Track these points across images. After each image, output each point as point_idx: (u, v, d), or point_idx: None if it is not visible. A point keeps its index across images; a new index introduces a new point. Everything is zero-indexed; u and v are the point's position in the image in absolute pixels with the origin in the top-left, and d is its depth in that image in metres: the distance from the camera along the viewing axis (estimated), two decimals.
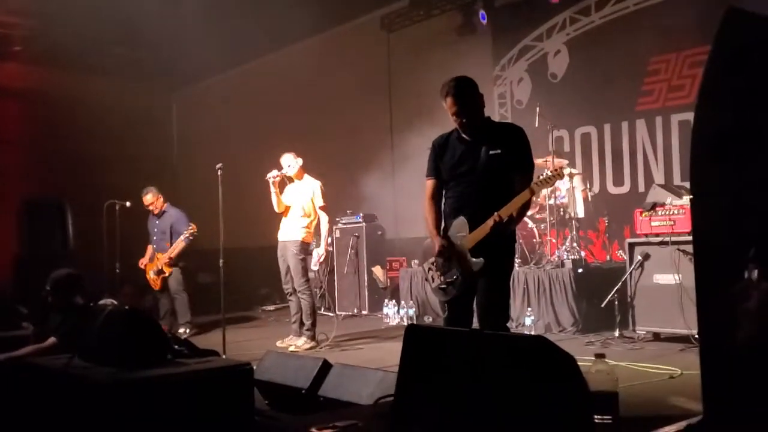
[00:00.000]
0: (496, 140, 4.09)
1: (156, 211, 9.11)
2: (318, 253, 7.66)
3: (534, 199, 8.49)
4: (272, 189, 7.44)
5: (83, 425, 3.57)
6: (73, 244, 11.04)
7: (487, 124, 4.22)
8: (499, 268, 4.09)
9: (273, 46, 12.58)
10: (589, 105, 9.28)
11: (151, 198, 9.07)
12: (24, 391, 4.17)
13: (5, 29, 11.25)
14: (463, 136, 4.17)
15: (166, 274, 8.85)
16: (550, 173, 4.11)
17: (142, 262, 9.07)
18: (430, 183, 4.33)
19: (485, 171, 4.06)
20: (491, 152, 4.05)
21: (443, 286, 4.16)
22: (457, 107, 4.06)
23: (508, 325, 4.23)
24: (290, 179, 7.55)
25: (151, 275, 8.98)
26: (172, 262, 8.82)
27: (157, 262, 8.89)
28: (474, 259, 4.00)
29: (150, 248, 9.14)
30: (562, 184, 8.24)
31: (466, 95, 4.08)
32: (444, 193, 4.30)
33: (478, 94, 4.16)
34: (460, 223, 4.10)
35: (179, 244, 8.74)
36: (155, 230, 9.13)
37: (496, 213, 3.91)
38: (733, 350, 2.75)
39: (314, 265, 7.67)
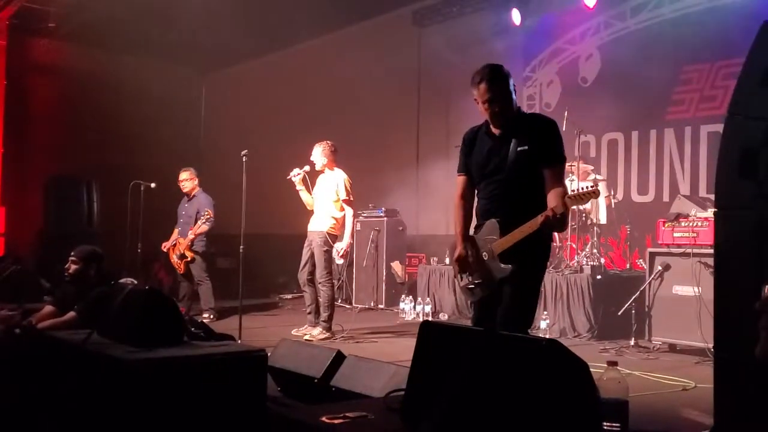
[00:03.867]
0: (525, 134, 3.82)
1: (188, 193, 9.14)
2: (337, 248, 7.45)
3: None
4: (298, 187, 7.46)
5: (99, 399, 3.63)
6: (97, 222, 11.19)
7: (517, 116, 3.93)
8: (527, 277, 3.80)
9: (304, 36, 12.61)
10: (618, 111, 9.20)
11: (186, 176, 9.10)
12: (43, 363, 4.24)
13: (40, 5, 11.37)
14: (492, 130, 3.92)
15: (189, 259, 8.90)
16: (587, 188, 3.67)
17: (165, 246, 9.12)
18: (460, 180, 4.10)
19: (514, 170, 3.79)
20: (519, 149, 3.79)
21: (470, 286, 3.98)
22: (491, 94, 3.79)
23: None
24: (320, 171, 7.56)
25: (174, 259, 9.03)
26: (194, 247, 8.87)
27: (179, 246, 8.94)
28: (502, 265, 3.77)
29: (175, 232, 9.17)
30: None
31: (500, 81, 3.83)
32: (476, 192, 4.08)
33: (512, 83, 3.91)
34: (491, 226, 3.87)
35: (198, 228, 8.78)
36: (183, 213, 9.18)
37: (549, 207, 3.59)
38: (750, 366, 2.73)
39: (338, 259, 7.63)
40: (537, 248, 3.80)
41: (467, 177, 4.05)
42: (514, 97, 3.88)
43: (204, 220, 8.72)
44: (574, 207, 7.92)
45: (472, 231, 4.06)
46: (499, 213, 3.84)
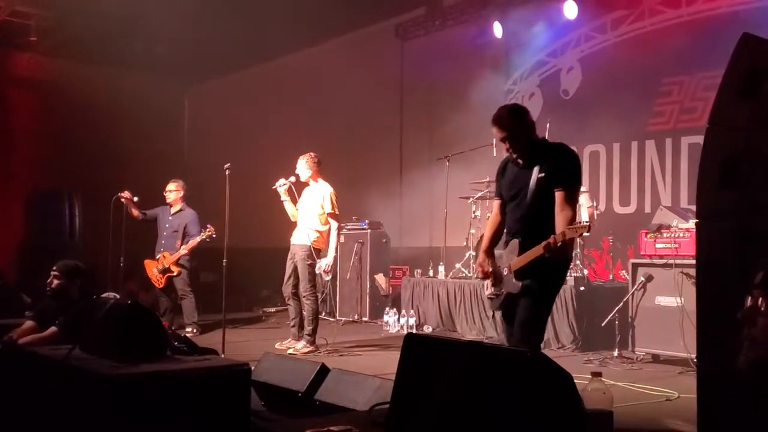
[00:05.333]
0: (545, 162, 4.20)
1: (172, 204, 9.00)
2: (321, 265, 7.39)
3: None
4: (283, 198, 7.44)
5: (81, 415, 3.59)
6: (79, 236, 11.10)
7: (539, 146, 4.32)
8: (538, 294, 4.17)
9: (287, 48, 12.62)
10: (600, 123, 9.26)
11: (173, 187, 8.98)
12: (24, 379, 4.19)
13: (22, 19, 11.30)
14: (518, 159, 4.32)
15: (173, 274, 8.80)
16: (580, 223, 3.99)
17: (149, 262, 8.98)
18: (495, 203, 4.61)
19: (533, 195, 4.18)
20: (539, 175, 4.18)
21: (492, 296, 4.41)
22: (501, 134, 4.26)
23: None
24: (303, 183, 7.55)
25: (155, 272, 8.87)
26: (179, 261, 8.78)
27: (163, 260, 8.81)
28: (514, 281, 4.18)
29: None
30: None
31: (507, 122, 4.24)
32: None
33: (525, 120, 4.29)
34: (513, 245, 4.27)
35: (194, 243, 8.65)
36: (166, 226, 9.01)
37: (552, 236, 3.96)
38: (732, 375, 2.75)
39: (325, 276, 7.60)
40: (549, 268, 4.12)
41: (500, 201, 4.53)
42: (526, 131, 4.28)
43: (206, 237, 8.53)
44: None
45: (502, 246, 4.48)
46: (520, 233, 4.25)
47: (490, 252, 4.46)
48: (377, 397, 3.66)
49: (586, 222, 4.20)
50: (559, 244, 3.93)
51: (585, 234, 4.05)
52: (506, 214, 4.47)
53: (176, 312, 8.96)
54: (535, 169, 4.20)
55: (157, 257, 8.90)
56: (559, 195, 4.12)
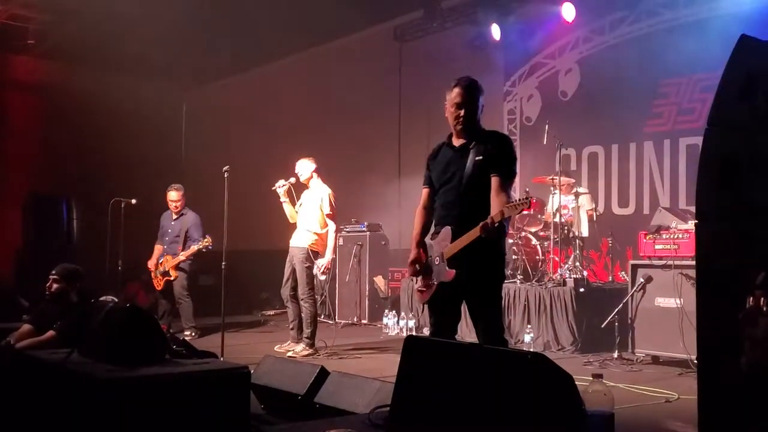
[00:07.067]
0: (483, 146, 4.16)
1: (176, 211, 9.04)
2: (318, 264, 7.40)
3: (539, 216, 8.52)
4: (282, 199, 7.45)
5: (79, 420, 3.58)
6: (77, 240, 11.09)
7: (478, 130, 4.27)
8: (486, 287, 4.12)
9: (285, 51, 12.63)
10: (598, 125, 9.28)
11: (175, 196, 9.00)
12: (21, 383, 4.18)
13: (19, 22, 11.30)
14: (453, 142, 4.28)
15: (172, 278, 8.81)
16: (521, 200, 3.93)
17: (151, 264, 8.99)
18: (424, 192, 4.46)
19: (469, 179, 4.12)
20: (476, 158, 4.12)
21: (422, 289, 4.27)
22: (461, 98, 4.19)
23: (506, 338, 4.30)
24: (303, 186, 7.54)
25: (156, 275, 8.93)
26: (179, 265, 8.79)
27: (165, 263, 8.83)
28: (447, 269, 4.05)
29: (158, 248, 9.06)
30: (570, 203, 8.25)
31: (473, 90, 4.21)
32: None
33: (482, 100, 4.27)
34: (445, 233, 4.15)
35: (192, 250, 8.67)
36: (169, 231, 9.05)
37: (489, 216, 3.89)
38: (733, 376, 2.74)
39: (321, 275, 7.60)
40: (489, 257, 4.06)
41: (429, 189, 4.40)
42: (479, 110, 4.24)
43: (203, 246, 8.56)
44: (557, 220, 8.03)
45: (429, 237, 4.33)
46: (453, 220, 4.14)
47: (421, 243, 4.32)
48: (377, 399, 3.66)
49: (526, 198, 4.02)
50: (497, 224, 3.85)
51: (525, 212, 4.01)
52: (435, 203, 4.33)
53: (175, 315, 8.95)
54: (471, 152, 4.15)
55: (160, 261, 8.91)
56: (495, 180, 4.06)
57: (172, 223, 9.06)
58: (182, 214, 9.03)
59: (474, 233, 3.92)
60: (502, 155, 4.14)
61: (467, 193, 4.11)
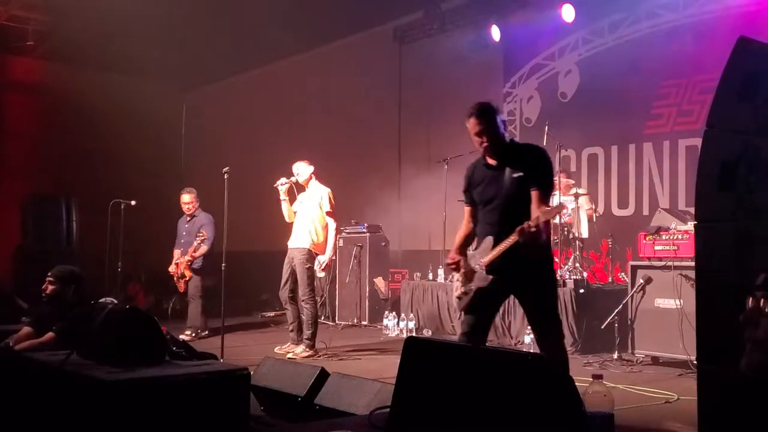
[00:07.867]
0: (518, 163, 4.17)
1: (189, 213, 9.16)
2: (319, 261, 7.44)
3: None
4: (282, 197, 7.45)
5: (79, 421, 3.57)
6: (76, 241, 11.08)
7: (510, 147, 4.29)
8: (536, 294, 4.17)
9: (285, 52, 12.63)
10: (598, 126, 9.28)
11: (188, 198, 9.13)
12: (21, 385, 4.17)
13: (19, 24, 11.31)
14: (489, 161, 4.27)
15: (187, 278, 8.93)
16: (556, 205, 4.11)
17: (171, 269, 9.11)
18: (466, 210, 4.50)
19: (508, 195, 4.15)
20: (514, 175, 4.13)
21: (461, 296, 4.30)
22: (479, 127, 4.16)
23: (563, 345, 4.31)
24: (301, 187, 7.55)
25: (177, 279, 9.07)
26: (193, 266, 8.90)
27: (180, 266, 8.97)
28: (485, 275, 4.12)
29: (175, 252, 9.17)
30: (569, 203, 8.25)
31: (486, 115, 4.19)
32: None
33: (500, 119, 4.25)
34: (486, 243, 4.21)
35: (198, 248, 8.80)
36: (183, 233, 9.20)
37: (526, 221, 3.92)
38: (733, 377, 2.74)
39: (320, 272, 7.61)
40: (538, 265, 4.14)
41: (471, 208, 4.43)
42: (502, 130, 4.21)
43: (200, 241, 8.73)
44: (557, 221, 8.03)
45: (473, 248, 4.40)
46: (493, 234, 4.17)
47: (462, 251, 4.38)
48: (377, 401, 3.66)
49: (559, 204, 4.12)
50: (533, 229, 3.87)
51: (563, 214, 4.04)
52: (478, 221, 4.38)
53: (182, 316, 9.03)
54: (508, 170, 4.16)
55: (177, 262, 9.05)
56: (535, 194, 4.09)
57: (186, 225, 9.22)
58: (194, 216, 9.14)
59: (512, 239, 3.97)
60: (538, 169, 4.16)
61: (510, 212, 4.13)
